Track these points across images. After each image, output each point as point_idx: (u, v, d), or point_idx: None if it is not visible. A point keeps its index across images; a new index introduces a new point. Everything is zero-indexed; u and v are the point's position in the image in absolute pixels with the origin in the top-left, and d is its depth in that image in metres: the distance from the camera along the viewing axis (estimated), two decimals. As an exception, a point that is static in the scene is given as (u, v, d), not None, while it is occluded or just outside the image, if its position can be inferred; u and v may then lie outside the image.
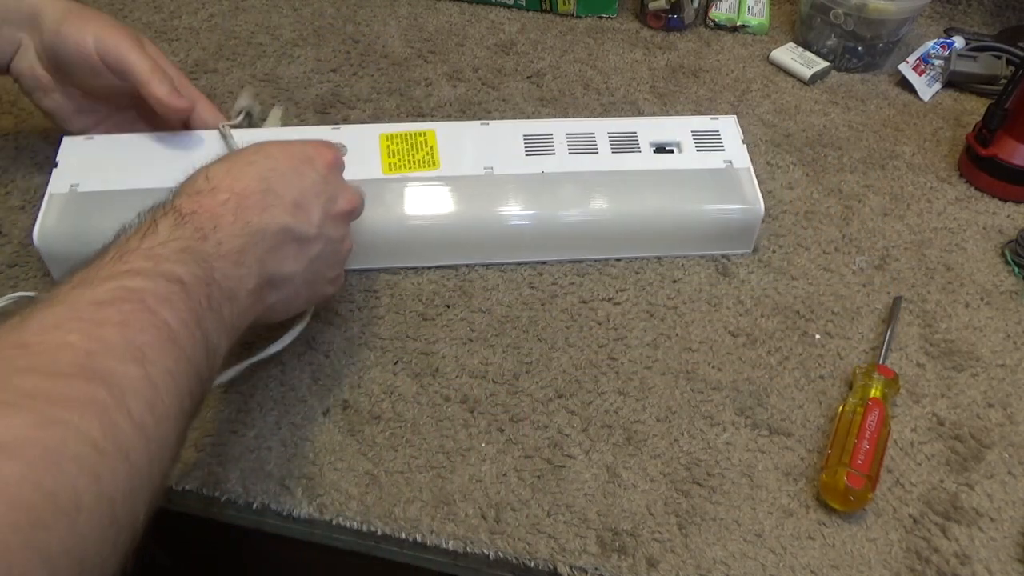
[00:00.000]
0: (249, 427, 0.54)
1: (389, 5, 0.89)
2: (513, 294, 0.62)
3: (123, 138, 0.62)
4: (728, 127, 0.65)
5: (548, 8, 0.87)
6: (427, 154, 0.62)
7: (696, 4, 0.85)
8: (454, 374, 0.57)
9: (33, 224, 0.57)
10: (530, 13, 0.88)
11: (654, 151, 0.64)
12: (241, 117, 0.65)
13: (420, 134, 0.63)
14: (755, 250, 0.65)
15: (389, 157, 0.62)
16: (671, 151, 0.64)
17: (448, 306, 0.61)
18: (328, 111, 0.75)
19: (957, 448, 0.54)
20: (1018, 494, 0.52)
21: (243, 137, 0.61)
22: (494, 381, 0.56)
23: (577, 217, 0.61)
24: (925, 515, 0.51)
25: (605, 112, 0.76)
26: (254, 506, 0.50)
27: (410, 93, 0.78)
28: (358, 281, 0.62)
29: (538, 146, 0.63)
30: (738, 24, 0.86)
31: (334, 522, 0.50)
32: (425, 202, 0.61)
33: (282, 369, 0.57)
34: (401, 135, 0.63)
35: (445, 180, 0.61)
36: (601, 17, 0.88)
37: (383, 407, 0.55)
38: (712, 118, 0.66)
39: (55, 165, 0.60)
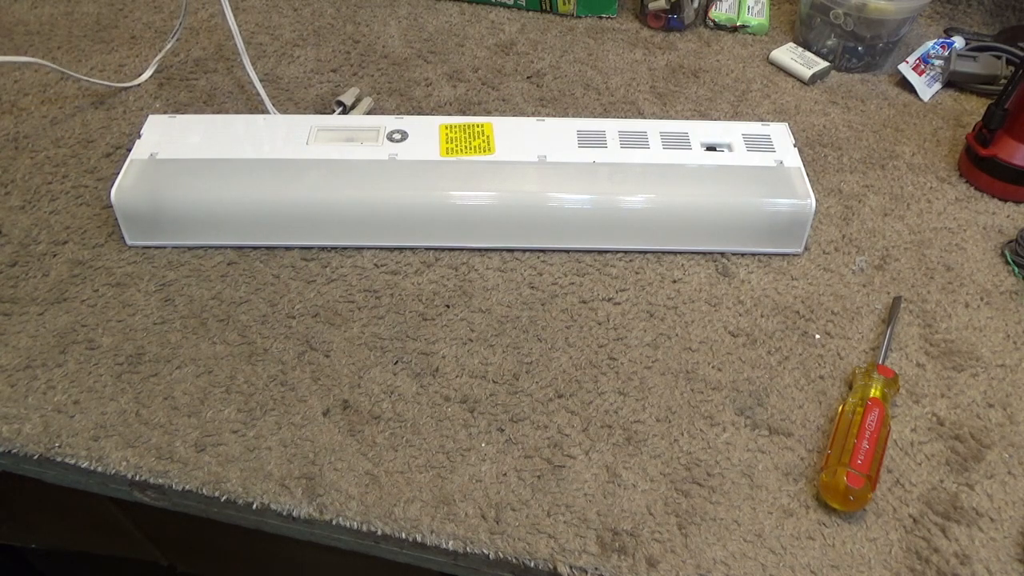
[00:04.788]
0: (249, 427, 0.54)
1: (389, 5, 0.89)
2: (513, 294, 0.62)
3: (202, 117, 0.68)
4: (779, 132, 0.67)
5: (548, 8, 0.87)
6: (483, 142, 0.65)
7: (696, 4, 0.85)
8: (454, 374, 0.57)
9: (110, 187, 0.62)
10: (530, 13, 0.88)
11: (705, 149, 0.65)
12: (339, 109, 0.74)
13: (477, 125, 0.66)
14: (806, 249, 0.65)
15: (447, 143, 0.65)
16: (722, 151, 0.65)
17: (448, 306, 0.61)
18: (328, 111, 0.75)
19: (957, 448, 0.54)
20: (1018, 494, 0.52)
21: (332, 122, 0.67)
22: (494, 381, 0.56)
23: (628, 204, 0.62)
24: (925, 515, 0.51)
25: (605, 112, 0.76)
26: (254, 506, 0.50)
27: (410, 93, 0.78)
28: (358, 281, 0.62)
29: (591, 140, 0.66)
30: (738, 24, 0.86)
31: (334, 522, 0.50)
32: (478, 183, 0.63)
33: (282, 369, 0.57)
34: (459, 125, 0.66)
35: (499, 164, 0.63)
36: (601, 17, 0.88)
37: (383, 407, 0.55)
38: (763, 124, 0.68)
39: (139, 136, 0.65)
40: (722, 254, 0.65)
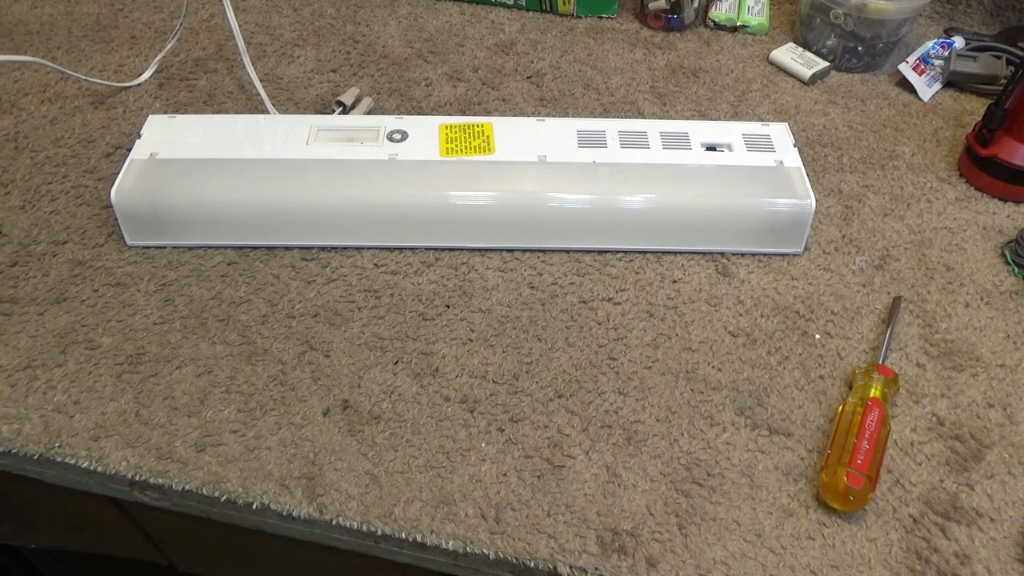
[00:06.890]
0: (249, 427, 0.54)
1: (389, 5, 0.89)
2: (513, 294, 0.62)
3: (202, 117, 0.68)
4: (779, 132, 0.67)
5: (548, 8, 0.87)
6: (483, 142, 0.65)
7: (696, 4, 0.85)
8: (454, 374, 0.57)
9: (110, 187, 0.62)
10: (530, 13, 0.88)
11: (705, 149, 0.65)
12: (339, 109, 0.74)
13: (477, 125, 0.66)
14: (806, 249, 0.65)
15: (447, 143, 0.65)
16: (722, 151, 0.66)
17: (448, 306, 0.61)
18: (328, 111, 0.75)
19: (957, 448, 0.54)
20: (1018, 494, 0.52)
21: (332, 122, 0.67)
22: (494, 381, 0.56)
23: (628, 204, 0.62)
24: (925, 515, 0.51)
25: (605, 112, 0.76)
26: (254, 506, 0.50)
27: (410, 93, 0.78)
28: (358, 281, 0.62)
29: (591, 140, 0.66)
30: (738, 24, 0.86)
31: (334, 522, 0.50)
32: (478, 183, 0.63)
33: (282, 369, 0.57)
34: (459, 125, 0.66)
35: (499, 164, 0.63)
36: (601, 17, 0.88)
37: (383, 407, 0.55)
38: (763, 124, 0.68)
39: (139, 136, 0.65)
40: (722, 254, 0.65)
